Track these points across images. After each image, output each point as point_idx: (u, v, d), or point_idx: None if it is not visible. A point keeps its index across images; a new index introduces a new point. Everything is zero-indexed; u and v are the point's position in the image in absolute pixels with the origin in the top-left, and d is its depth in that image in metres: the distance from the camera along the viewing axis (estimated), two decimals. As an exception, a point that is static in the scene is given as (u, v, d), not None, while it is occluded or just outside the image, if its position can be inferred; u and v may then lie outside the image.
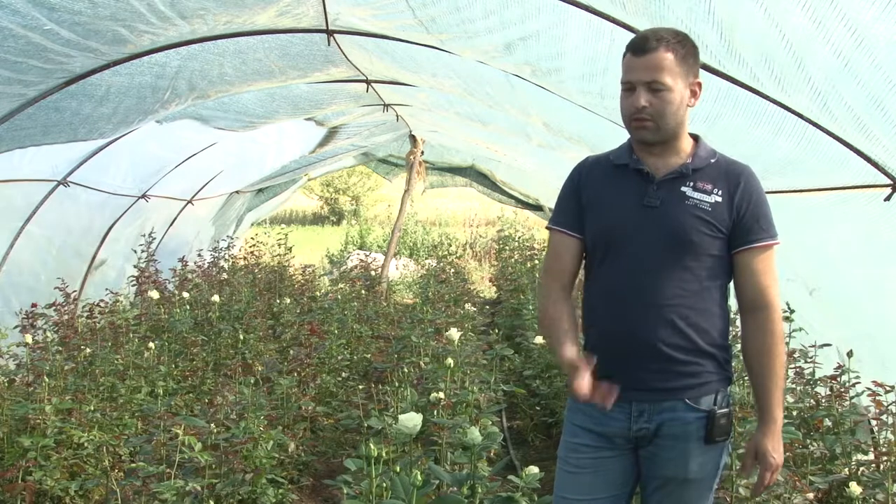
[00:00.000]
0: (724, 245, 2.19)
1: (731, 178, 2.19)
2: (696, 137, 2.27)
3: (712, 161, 2.22)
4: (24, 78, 3.62)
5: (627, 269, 2.21)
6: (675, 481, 2.23)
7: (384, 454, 2.87)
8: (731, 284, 2.27)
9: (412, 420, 2.70)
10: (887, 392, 3.44)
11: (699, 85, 2.19)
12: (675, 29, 2.21)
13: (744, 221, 2.17)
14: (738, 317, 2.34)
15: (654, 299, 2.17)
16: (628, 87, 2.16)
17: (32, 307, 5.37)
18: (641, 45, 2.13)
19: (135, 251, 7.73)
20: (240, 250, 10.51)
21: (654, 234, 2.18)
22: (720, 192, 2.18)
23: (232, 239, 10.94)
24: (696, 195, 2.18)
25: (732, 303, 2.29)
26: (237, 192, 10.41)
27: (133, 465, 3.51)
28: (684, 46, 2.14)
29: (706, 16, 2.61)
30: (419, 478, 2.62)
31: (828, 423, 3.65)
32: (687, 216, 2.17)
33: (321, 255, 15.57)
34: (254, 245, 9.77)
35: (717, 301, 2.21)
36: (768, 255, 2.19)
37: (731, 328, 2.34)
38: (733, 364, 2.32)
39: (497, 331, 5.58)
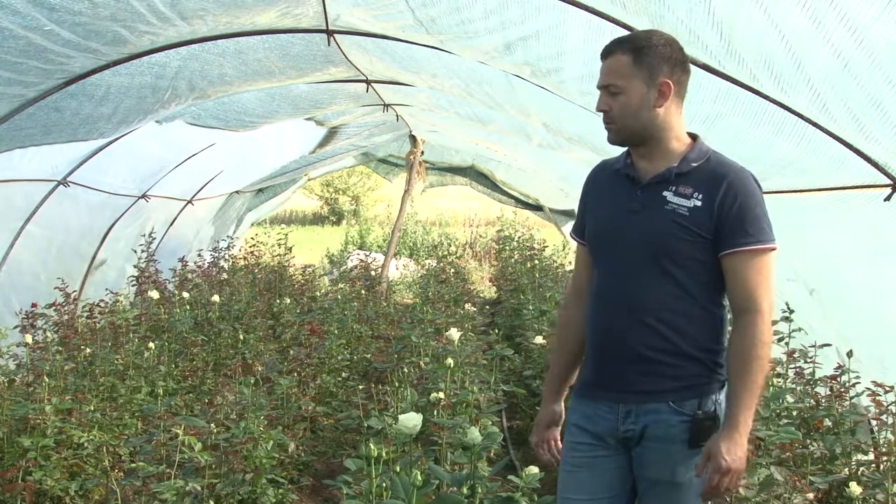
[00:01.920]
0: (707, 249, 2.17)
1: (716, 181, 2.17)
2: (694, 137, 2.27)
3: (697, 164, 2.20)
4: (24, 78, 3.62)
5: (613, 272, 2.27)
6: (661, 484, 2.23)
7: (384, 454, 2.87)
8: None
9: (412, 420, 2.70)
10: (887, 392, 3.44)
11: (667, 85, 2.16)
12: (654, 31, 2.25)
13: (727, 225, 2.14)
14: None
15: (636, 303, 2.20)
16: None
17: (32, 307, 5.37)
18: (605, 51, 2.23)
19: (135, 251, 7.72)
20: (240, 250, 10.51)
21: (636, 239, 2.21)
22: (700, 197, 2.16)
23: (232, 239, 10.94)
24: (676, 200, 2.18)
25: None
26: (237, 192, 10.41)
27: (133, 465, 3.51)
28: (651, 47, 2.15)
29: (706, 16, 2.61)
30: (419, 478, 2.62)
31: (828, 423, 3.65)
32: (665, 221, 2.17)
33: (321, 255, 15.57)
34: (254, 245, 9.77)
35: (703, 304, 2.20)
36: (758, 259, 2.15)
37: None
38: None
39: (497, 331, 5.58)
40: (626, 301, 2.22)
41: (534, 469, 2.95)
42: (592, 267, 2.36)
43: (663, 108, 2.18)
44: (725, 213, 2.14)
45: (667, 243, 2.17)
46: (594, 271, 2.35)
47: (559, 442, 2.47)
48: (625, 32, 2.95)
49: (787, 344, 3.92)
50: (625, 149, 2.34)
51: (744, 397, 2.11)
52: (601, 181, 2.39)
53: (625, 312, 2.22)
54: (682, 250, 2.16)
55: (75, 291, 6.52)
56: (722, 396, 2.22)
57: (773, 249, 2.17)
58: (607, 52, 2.21)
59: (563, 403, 2.51)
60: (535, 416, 2.56)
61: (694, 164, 2.20)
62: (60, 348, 4.94)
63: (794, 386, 3.89)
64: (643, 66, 2.15)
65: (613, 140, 2.27)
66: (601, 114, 2.25)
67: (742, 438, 2.10)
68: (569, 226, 10.52)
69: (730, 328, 2.27)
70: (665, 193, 2.19)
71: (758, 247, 2.15)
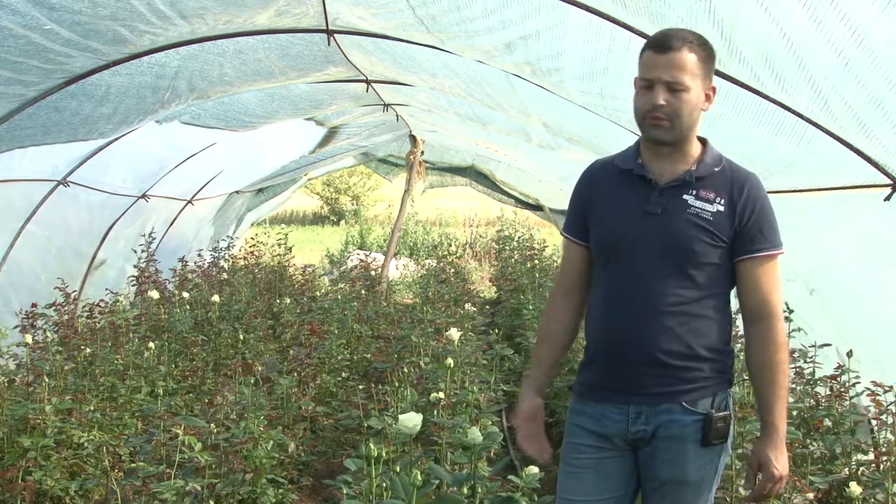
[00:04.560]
0: (725, 253, 2.18)
1: (736, 186, 2.19)
2: (704, 142, 2.27)
3: (717, 169, 2.21)
4: (24, 78, 3.62)
5: (628, 275, 2.23)
6: (672, 483, 2.23)
7: (384, 454, 2.87)
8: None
9: (412, 420, 2.70)
10: (886, 392, 3.44)
11: (714, 90, 2.19)
12: (695, 32, 2.20)
13: (746, 231, 2.17)
14: (738, 318, 2.35)
15: (654, 306, 2.18)
16: (646, 85, 2.14)
17: (32, 307, 5.36)
18: (665, 43, 2.11)
19: (135, 251, 7.72)
20: (240, 250, 10.51)
21: (655, 242, 2.19)
22: (722, 201, 2.17)
23: (232, 239, 10.93)
24: (698, 204, 2.18)
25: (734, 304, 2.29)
26: (237, 192, 10.40)
27: (133, 465, 3.50)
28: (705, 49, 2.14)
29: (706, 15, 2.61)
30: (419, 478, 2.61)
31: (828, 423, 3.65)
32: (688, 225, 2.17)
33: (321, 255, 15.57)
34: (254, 245, 9.77)
35: (717, 307, 2.21)
36: (771, 264, 2.19)
37: (733, 330, 2.34)
38: (734, 365, 2.32)
39: (497, 331, 5.58)
40: (642, 303, 2.19)
41: (534, 469, 2.95)
42: (599, 270, 2.31)
43: (704, 112, 2.19)
44: (746, 219, 2.17)
45: (690, 247, 2.16)
46: (603, 275, 2.30)
47: (544, 434, 2.43)
48: (625, 32, 2.96)
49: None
50: (631, 146, 2.32)
51: (776, 404, 2.17)
52: (603, 182, 2.33)
53: (640, 315, 2.19)
54: (704, 254, 2.16)
55: (75, 291, 6.52)
56: (729, 394, 2.25)
57: (782, 254, 2.20)
58: (668, 47, 2.09)
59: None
60: (517, 408, 2.47)
61: (715, 169, 2.21)
62: (60, 348, 4.94)
63: (794, 386, 3.89)
64: (705, 68, 2.13)
65: (659, 137, 2.17)
66: (650, 108, 2.12)
67: (783, 444, 2.17)
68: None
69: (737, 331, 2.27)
70: (686, 197, 2.18)
71: (773, 252, 2.19)
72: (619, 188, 2.28)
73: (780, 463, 2.15)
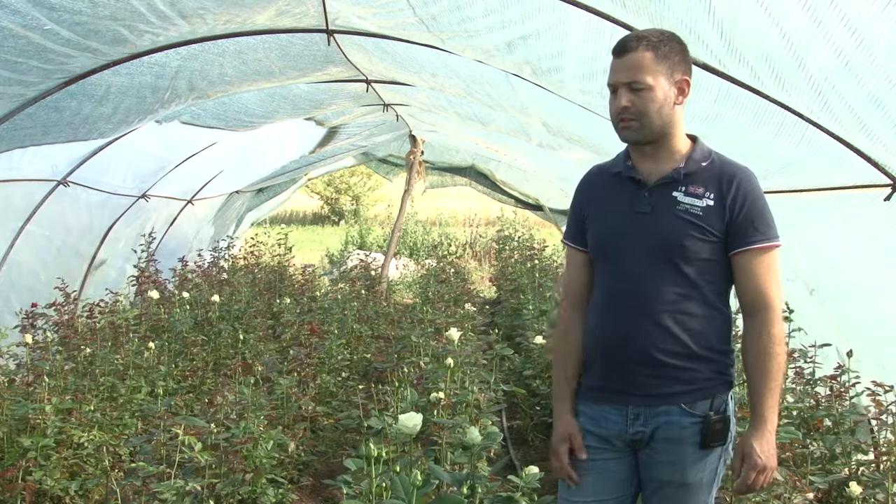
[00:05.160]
0: (718, 248, 2.18)
1: (724, 180, 2.18)
2: (693, 139, 2.27)
3: (705, 164, 2.21)
4: (24, 78, 3.62)
5: (622, 274, 2.24)
6: (671, 485, 2.23)
7: (384, 454, 2.87)
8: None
9: (412, 420, 2.70)
10: (886, 392, 3.44)
11: (687, 82, 2.18)
12: (662, 29, 2.22)
13: (738, 224, 2.16)
14: (739, 318, 2.35)
15: (649, 305, 2.19)
16: (612, 90, 2.20)
17: (32, 307, 5.37)
18: (621, 47, 2.17)
19: (135, 251, 7.73)
20: (240, 250, 10.51)
21: (647, 241, 2.19)
22: (711, 196, 2.17)
23: (232, 239, 10.93)
24: (687, 200, 2.18)
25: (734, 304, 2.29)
26: (237, 191, 10.41)
27: (133, 465, 3.50)
28: (666, 44, 2.14)
29: (706, 15, 2.61)
30: (419, 478, 2.61)
31: (828, 423, 3.65)
32: (678, 221, 2.17)
33: (321, 255, 15.57)
34: (254, 245, 9.77)
35: (713, 305, 2.21)
36: (767, 256, 2.18)
37: (733, 329, 2.33)
38: (735, 366, 2.32)
39: (497, 331, 5.58)
40: (638, 304, 2.20)
41: (534, 469, 2.95)
42: (596, 272, 2.33)
43: (681, 106, 2.19)
44: (736, 212, 2.16)
45: (680, 243, 2.16)
46: (600, 277, 2.31)
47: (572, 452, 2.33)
48: (625, 32, 2.96)
49: (787, 344, 3.92)
50: (622, 150, 2.33)
51: (766, 395, 2.16)
52: (599, 185, 2.36)
53: (637, 315, 2.20)
54: (696, 250, 2.16)
55: (75, 291, 6.52)
56: (730, 396, 2.25)
57: (779, 246, 2.20)
58: (625, 49, 2.15)
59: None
60: (553, 437, 2.36)
61: (702, 164, 2.21)
62: (60, 348, 4.94)
63: (794, 386, 3.89)
64: (665, 62, 2.13)
65: (631, 138, 2.21)
66: (617, 112, 2.17)
67: (771, 436, 2.16)
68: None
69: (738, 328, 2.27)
70: (675, 194, 2.19)
71: (767, 244, 2.17)
72: (611, 191, 2.30)
73: (765, 453, 2.13)
